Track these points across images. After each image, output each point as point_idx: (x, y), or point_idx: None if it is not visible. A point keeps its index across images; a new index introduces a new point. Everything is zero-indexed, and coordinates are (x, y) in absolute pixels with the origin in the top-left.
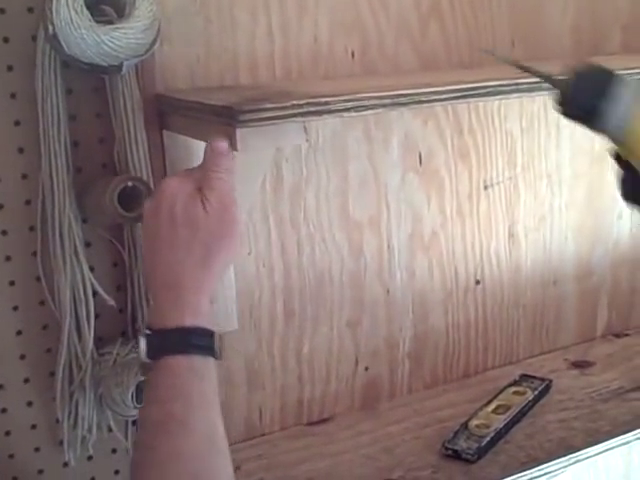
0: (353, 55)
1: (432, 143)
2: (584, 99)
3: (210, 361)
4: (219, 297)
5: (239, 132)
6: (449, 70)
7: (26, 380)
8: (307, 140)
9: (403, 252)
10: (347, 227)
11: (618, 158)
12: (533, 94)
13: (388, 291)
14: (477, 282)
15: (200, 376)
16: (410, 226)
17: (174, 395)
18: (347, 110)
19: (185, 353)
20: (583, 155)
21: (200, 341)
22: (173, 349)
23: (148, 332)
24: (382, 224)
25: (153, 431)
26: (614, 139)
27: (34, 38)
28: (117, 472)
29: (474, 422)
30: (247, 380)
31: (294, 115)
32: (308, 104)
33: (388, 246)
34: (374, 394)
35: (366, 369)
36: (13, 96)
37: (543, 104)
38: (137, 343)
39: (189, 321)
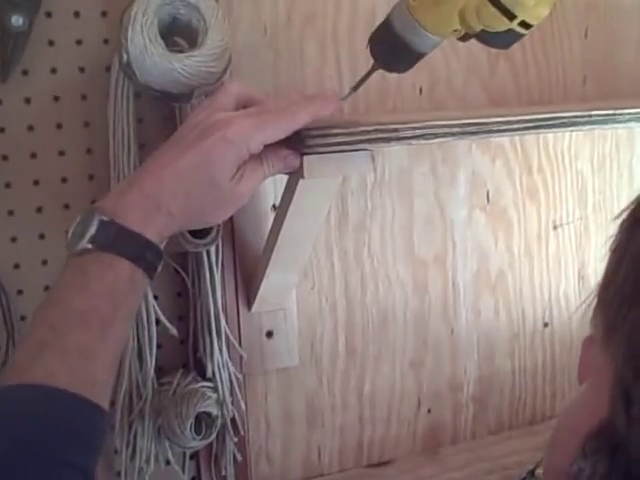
0: (421, 91)
1: (500, 181)
2: (387, 40)
3: (147, 283)
4: (280, 330)
5: (306, 159)
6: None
7: None
8: (374, 169)
9: (469, 291)
10: (412, 264)
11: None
12: (607, 126)
13: (452, 331)
14: (545, 325)
15: (136, 292)
16: (476, 265)
17: (107, 293)
18: (416, 137)
19: (135, 263)
20: None
21: (153, 259)
22: (126, 251)
23: (105, 219)
24: (447, 262)
25: (70, 318)
26: (426, 50)
27: (108, 68)
28: None
29: (541, 470)
30: (306, 418)
31: (362, 142)
32: (376, 130)
33: (453, 284)
34: (436, 438)
35: (429, 411)
36: (86, 125)
37: (615, 144)
38: (84, 223)
39: (150, 236)
